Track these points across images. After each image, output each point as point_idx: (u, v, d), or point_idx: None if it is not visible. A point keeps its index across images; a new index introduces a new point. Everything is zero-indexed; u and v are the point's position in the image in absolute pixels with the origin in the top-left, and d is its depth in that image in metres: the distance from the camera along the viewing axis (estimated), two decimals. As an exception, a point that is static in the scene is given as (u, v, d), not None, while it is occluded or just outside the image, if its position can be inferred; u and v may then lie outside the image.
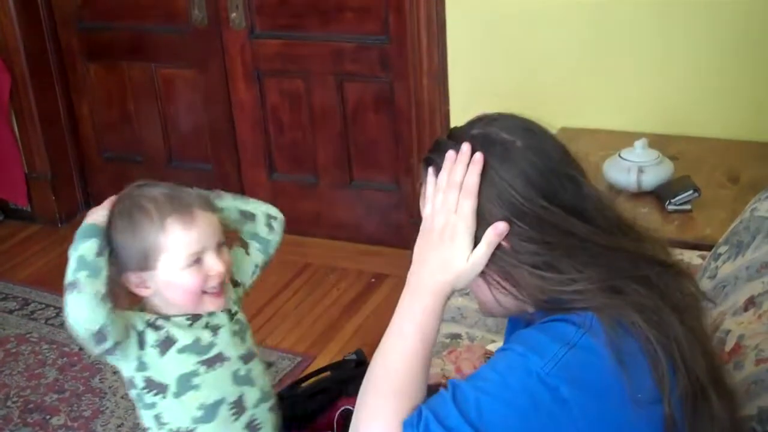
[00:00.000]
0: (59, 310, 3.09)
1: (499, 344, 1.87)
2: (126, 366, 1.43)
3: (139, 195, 1.43)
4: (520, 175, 1.12)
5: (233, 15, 3.20)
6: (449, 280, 1.15)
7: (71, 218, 3.71)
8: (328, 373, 2.18)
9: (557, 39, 2.67)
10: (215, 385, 1.44)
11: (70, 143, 3.71)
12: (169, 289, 1.41)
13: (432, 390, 1.63)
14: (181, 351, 1.42)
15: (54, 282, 3.31)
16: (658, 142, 2.36)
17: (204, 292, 1.41)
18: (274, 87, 3.29)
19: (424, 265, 1.17)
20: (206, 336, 1.44)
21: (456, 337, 1.96)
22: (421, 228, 1.21)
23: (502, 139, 1.15)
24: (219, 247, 1.42)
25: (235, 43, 3.26)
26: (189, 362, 1.42)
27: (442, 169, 1.17)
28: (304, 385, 2.15)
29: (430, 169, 1.20)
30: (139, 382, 1.43)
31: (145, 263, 1.39)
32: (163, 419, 1.44)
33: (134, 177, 3.99)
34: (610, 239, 1.12)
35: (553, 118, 1.19)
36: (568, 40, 2.66)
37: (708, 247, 1.81)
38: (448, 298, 1.16)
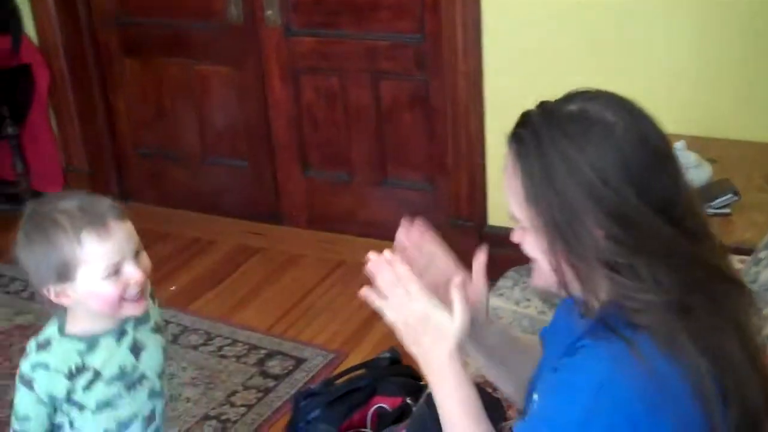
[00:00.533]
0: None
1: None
2: None
3: (51, 209, 1.43)
4: (617, 164, 1.05)
5: (269, 12, 3.21)
6: (452, 346, 1.21)
7: (107, 213, 3.75)
8: (362, 371, 2.20)
9: (594, 39, 2.66)
10: (133, 403, 1.54)
11: (107, 139, 3.75)
12: (89, 298, 1.44)
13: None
14: (108, 383, 1.50)
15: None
16: (697, 144, 2.34)
17: (124, 299, 1.44)
18: (310, 84, 3.30)
19: (425, 354, 1.22)
20: (131, 361, 1.52)
21: (491, 337, 1.95)
22: (397, 327, 1.25)
23: (603, 119, 1.08)
24: (137, 255, 1.45)
25: (271, 41, 3.28)
26: (114, 389, 1.51)
27: (378, 274, 1.25)
28: (338, 382, 2.17)
29: (514, 147, 1.13)
30: (62, 397, 1.49)
31: (65, 276, 1.41)
32: (75, 425, 1.52)
33: (170, 173, 4.04)
34: (693, 247, 1.08)
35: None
36: (605, 41, 2.65)
37: (748, 252, 1.79)
38: (462, 345, 1.23)
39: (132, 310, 1.47)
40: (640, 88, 2.84)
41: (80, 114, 3.64)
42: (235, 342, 2.87)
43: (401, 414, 2.01)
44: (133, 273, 1.43)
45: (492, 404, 1.57)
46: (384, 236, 3.34)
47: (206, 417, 2.52)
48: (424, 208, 3.29)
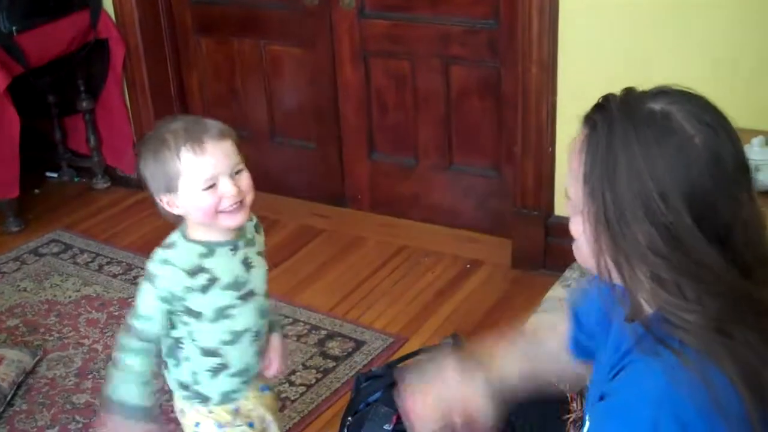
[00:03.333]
0: (161, 277, 3.18)
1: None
2: None
3: (163, 129, 1.62)
4: (681, 183, 1.01)
5: (344, -6, 3.22)
6: None
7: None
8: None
9: (672, 33, 2.60)
10: (245, 315, 1.69)
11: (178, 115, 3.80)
12: (190, 208, 1.61)
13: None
14: (225, 288, 1.65)
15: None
16: (776, 140, 2.28)
17: (220, 211, 1.60)
18: (380, 68, 3.30)
19: None
20: (243, 273, 1.68)
21: (555, 328, 1.93)
22: None
23: (682, 130, 1.03)
24: (237, 173, 1.61)
25: (344, 23, 3.28)
26: (229, 297, 1.66)
27: None
28: (399, 366, 2.17)
29: (586, 131, 1.09)
30: (178, 307, 1.64)
31: (170, 187, 1.60)
32: (194, 336, 1.68)
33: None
34: (742, 282, 1.03)
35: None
36: (683, 35, 2.58)
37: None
38: None
39: (228, 221, 1.62)
40: (717, 83, 2.78)
41: (153, 90, 3.69)
42: (296, 321, 2.89)
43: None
44: (228, 187, 1.58)
45: (555, 396, 1.56)
46: (447, 222, 3.38)
47: (266, 394, 2.55)
48: (489, 196, 3.27)
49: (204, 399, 1.73)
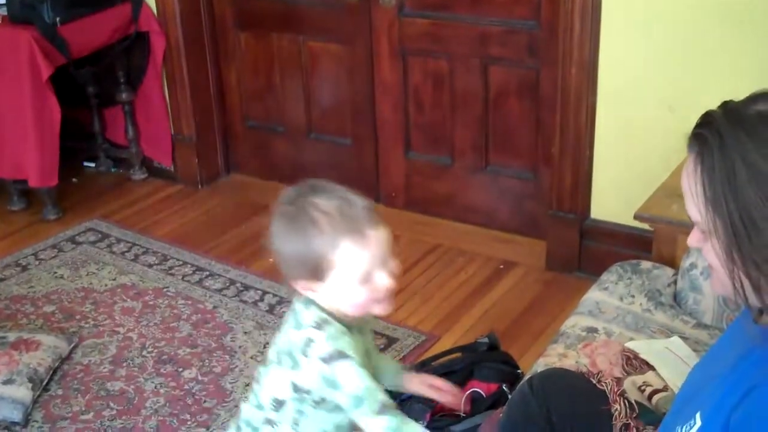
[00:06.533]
0: (195, 268, 3.20)
1: (638, 342, 1.82)
2: None
3: (311, 204, 1.41)
4: None
5: (385, -8, 3.22)
6: None
7: (211, 181, 3.84)
8: (459, 354, 2.19)
9: (717, 37, 2.57)
10: None
11: (216, 109, 3.83)
12: (337, 299, 1.43)
13: (572, 377, 1.61)
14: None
15: (191, 241, 3.43)
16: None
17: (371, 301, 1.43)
18: (418, 67, 3.30)
19: None
20: (365, 359, 1.46)
21: (592, 331, 1.92)
22: None
23: None
24: (388, 262, 1.43)
25: (384, 21, 3.28)
26: None
27: None
28: (434, 363, 2.17)
29: (696, 147, 1.09)
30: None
31: (316, 275, 1.40)
32: (298, 422, 1.48)
33: (274, 146, 4.08)
34: None
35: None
36: (728, 39, 2.55)
37: None
38: None
39: (378, 310, 1.46)
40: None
41: (192, 84, 3.72)
42: (328, 317, 2.90)
43: (496, 401, 1.99)
44: (385, 280, 1.42)
45: (596, 394, 1.56)
46: (482, 223, 3.37)
47: (298, 387, 2.56)
48: (525, 197, 3.26)
49: None
